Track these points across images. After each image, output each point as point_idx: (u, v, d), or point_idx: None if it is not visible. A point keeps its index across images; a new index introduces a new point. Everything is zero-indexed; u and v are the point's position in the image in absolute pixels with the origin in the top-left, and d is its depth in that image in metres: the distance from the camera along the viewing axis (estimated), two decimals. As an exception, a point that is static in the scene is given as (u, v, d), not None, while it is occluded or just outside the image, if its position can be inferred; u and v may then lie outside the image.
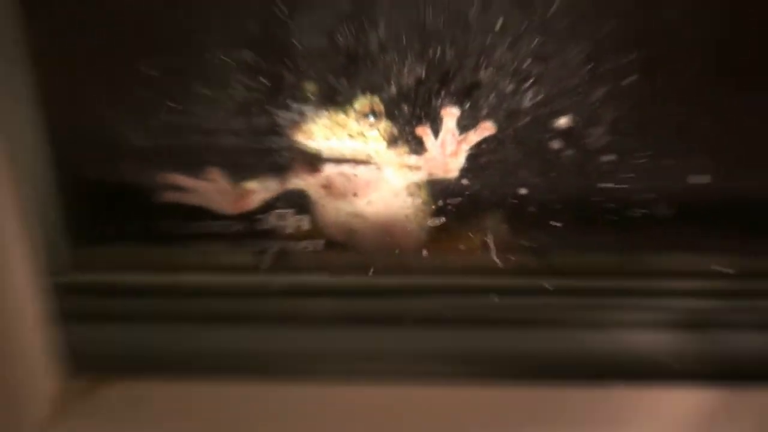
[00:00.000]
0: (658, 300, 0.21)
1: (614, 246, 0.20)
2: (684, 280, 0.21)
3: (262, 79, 0.18)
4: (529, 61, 0.18)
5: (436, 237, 0.19)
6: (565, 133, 0.19)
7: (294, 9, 0.18)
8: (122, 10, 0.19)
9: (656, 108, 0.19)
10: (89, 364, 0.20)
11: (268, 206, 0.19)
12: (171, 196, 0.19)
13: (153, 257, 0.20)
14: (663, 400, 0.20)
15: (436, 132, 0.19)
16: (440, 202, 0.19)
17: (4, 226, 0.17)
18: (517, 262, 0.19)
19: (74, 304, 0.20)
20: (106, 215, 0.20)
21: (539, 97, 0.18)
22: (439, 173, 0.19)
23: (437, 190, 0.19)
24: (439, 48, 0.18)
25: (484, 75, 0.18)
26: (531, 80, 0.18)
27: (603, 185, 0.19)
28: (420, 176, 0.19)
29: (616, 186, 0.19)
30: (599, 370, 0.20)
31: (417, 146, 0.19)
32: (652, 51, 0.18)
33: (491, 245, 0.19)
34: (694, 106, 0.19)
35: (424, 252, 0.19)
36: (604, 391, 0.20)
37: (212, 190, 0.19)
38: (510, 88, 0.18)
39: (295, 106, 0.18)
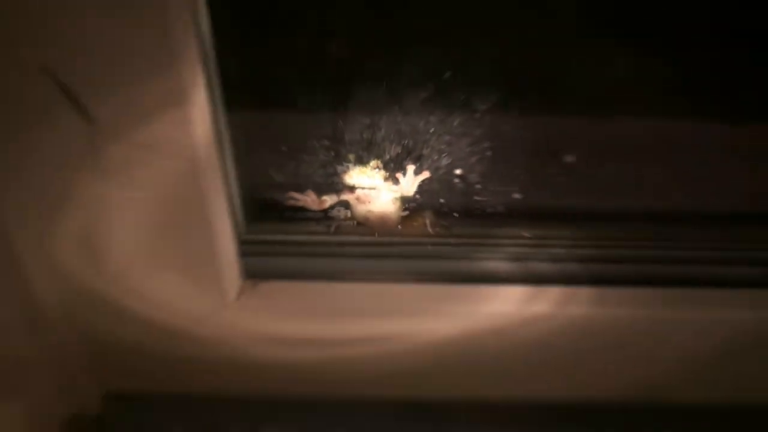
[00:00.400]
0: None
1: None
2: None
3: (332, 153, 0.44)
4: (442, 145, 0.43)
5: (404, 220, 0.45)
6: (461, 177, 0.44)
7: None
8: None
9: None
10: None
11: (333, 206, 0.45)
12: (292, 202, 0.45)
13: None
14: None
15: (404, 174, 0.44)
16: (406, 205, 0.45)
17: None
18: (439, 231, 0.45)
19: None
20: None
21: (447, 160, 0.43)
22: (406, 193, 0.44)
23: (405, 200, 0.45)
24: (402, 141, 0.43)
25: (424, 151, 0.44)
26: (443, 154, 0.43)
27: (477, 198, 0.44)
28: (397, 194, 0.44)
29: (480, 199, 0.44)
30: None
31: (395, 181, 0.44)
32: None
33: (428, 224, 0.45)
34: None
35: (399, 227, 0.45)
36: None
37: (309, 200, 0.45)
38: (434, 156, 0.43)
39: (344, 164, 0.44)
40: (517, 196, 0.43)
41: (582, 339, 0.45)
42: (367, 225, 0.45)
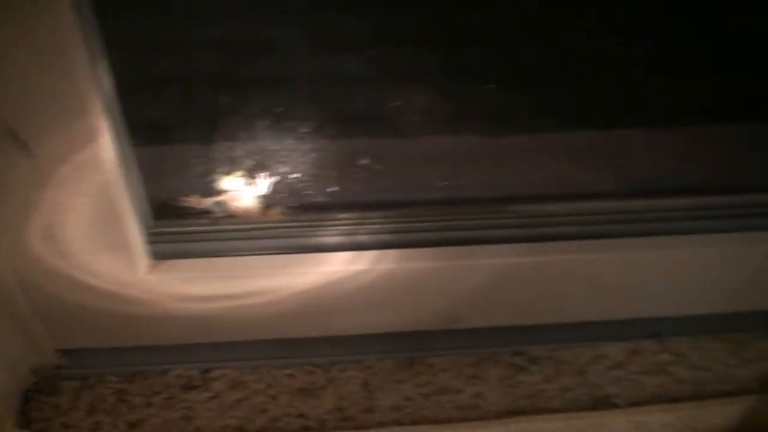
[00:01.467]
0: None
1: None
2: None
3: (210, 166, 0.64)
4: (283, 157, 0.64)
5: (263, 210, 0.65)
6: (298, 178, 0.65)
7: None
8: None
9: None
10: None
11: (214, 204, 0.65)
12: (184, 203, 0.65)
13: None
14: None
15: (259, 179, 0.64)
16: (263, 200, 0.65)
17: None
18: (286, 217, 0.66)
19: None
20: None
21: (287, 167, 0.64)
22: (262, 192, 0.65)
23: (262, 196, 0.65)
24: (256, 157, 0.64)
25: (271, 163, 0.64)
26: (283, 163, 0.64)
27: (308, 192, 0.65)
28: (257, 193, 0.65)
29: (311, 192, 0.65)
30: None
31: (255, 184, 0.65)
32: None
33: (279, 212, 0.65)
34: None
35: (260, 215, 0.65)
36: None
37: (195, 201, 0.65)
38: (278, 166, 0.64)
39: (218, 174, 0.64)
40: (336, 189, 0.65)
41: (390, 286, 0.66)
42: (237, 216, 0.65)
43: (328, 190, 0.65)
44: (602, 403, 0.67)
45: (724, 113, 0.68)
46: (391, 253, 0.66)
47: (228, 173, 0.64)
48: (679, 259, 0.67)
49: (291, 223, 0.66)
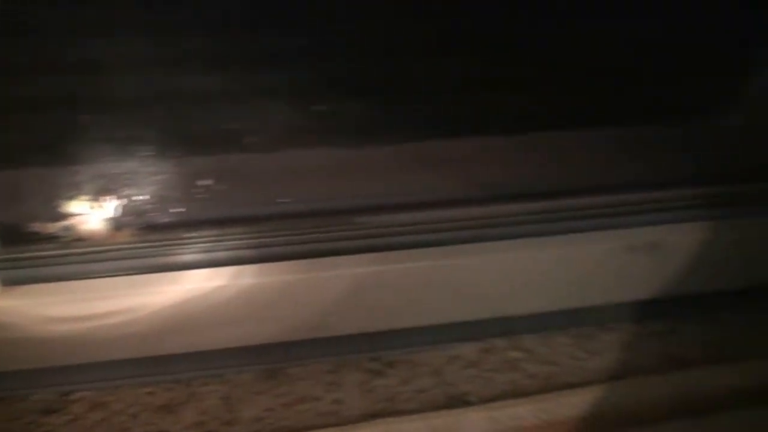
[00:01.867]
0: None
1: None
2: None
3: (58, 191, 0.65)
4: (127, 181, 0.65)
5: (112, 232, 0.66)
6: (143, 201, 0.66)
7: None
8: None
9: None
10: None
11: (63, 228, 0.66)
12: (34, 228, 0.65)
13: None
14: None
15: (107, 201, 0.65)
16: (111, 222, 0.66)
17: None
18: (136, 238, 0.67)
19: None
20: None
21: (132, 191, 0.65)
22: (111, 215, 0.66)
23: (110, 219, 0.66)
24: (102, 181, 0.64)
25: (117, 186, 0.65)
26: (128, 187, 0.65)
27: (154, 213, 0.66)
28: (106, 216, 0.66)
29: (157, 214, 0.66)
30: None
31: (102, 207, 0.65)
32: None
33: (128, 233, 0.66)
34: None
35: (105, 239, 0.66)
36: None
37: (43, 227, 0.65)
38: (124, 189, 0.65)
39: (67, 199, 0.65)
40: (183, 209, 0.66)
41: (250, 300, 0.68)
42: (87, 239, 0.66)
43: (175, 210, 0.66)
44: (457, 402, 0.70)
45: (556, 122, 0.72)
46: (249, 268, 0.67)
47: (74, 197, 0.64)
48: (523, 261, 0.71)
49: (145, 244, 0.67)
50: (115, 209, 0.65)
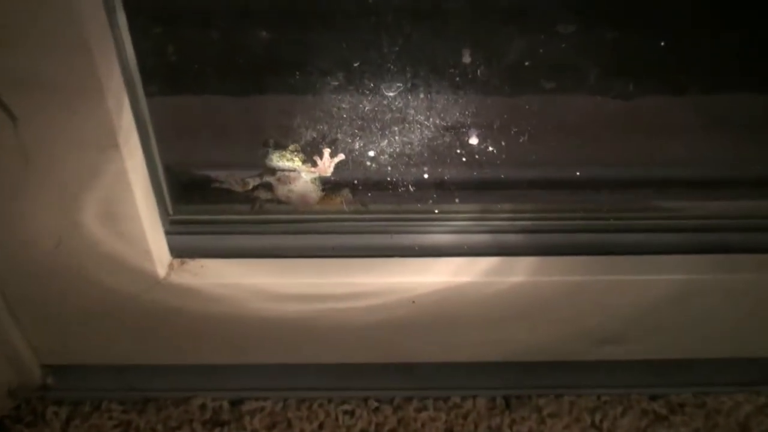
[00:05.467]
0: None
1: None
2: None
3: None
4: (355, 129, 0.47)
5: (322, 199, 0.49)
6: (373, 158, 0.48)
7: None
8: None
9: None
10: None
11: (255, 187, 0.48)
12: (217, 184, 0.48)
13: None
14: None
15: (321, 157, 0.47)
16: (322, 185, 0.48)
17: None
18: (355, 208, 0.49)
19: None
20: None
21: (360, 143, 0.47)
22: (323, 174, 0.48)
23: (323, 180, 0.48)
24: (318, 126, 0.47)
25: (339, 135, 0.47)
26: (356, 137, 0.47)
27: (389, 177, 0.48)
28: (315, 175, 0.48)
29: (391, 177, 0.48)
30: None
31: (314, 163, 0.48)
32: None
33: (344, 202, 0.49)
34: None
35: (317, 206, 0.49)
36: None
37: (233, 182, 0.48)
38: (348, 140, 0.47)
39: (266, 148, 0.47)
40: (425, 175, 0.48)
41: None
42: (288, 204, 0.48)
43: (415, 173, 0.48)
44: None
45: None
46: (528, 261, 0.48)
47: (279, 147, 0.47)
48: None
49: (361, 216, 0.49)
50: (323, 169, 0.47)
